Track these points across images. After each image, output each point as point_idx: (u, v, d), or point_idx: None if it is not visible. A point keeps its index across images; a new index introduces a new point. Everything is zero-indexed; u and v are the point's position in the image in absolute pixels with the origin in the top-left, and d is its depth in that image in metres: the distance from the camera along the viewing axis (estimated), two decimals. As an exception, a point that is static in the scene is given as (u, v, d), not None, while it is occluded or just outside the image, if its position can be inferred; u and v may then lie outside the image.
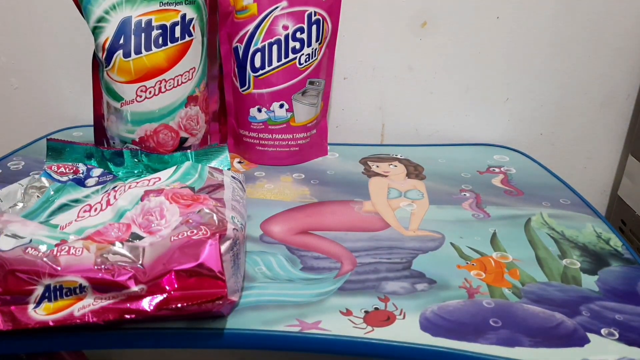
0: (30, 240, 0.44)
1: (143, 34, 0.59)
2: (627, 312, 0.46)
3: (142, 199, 0.49)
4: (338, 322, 0.44)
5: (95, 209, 0.50)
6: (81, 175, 0.58)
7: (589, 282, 0.50)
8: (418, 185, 0.68)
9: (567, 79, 0.86)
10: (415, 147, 0.81)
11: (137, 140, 0.63)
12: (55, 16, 0.83)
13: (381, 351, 0.42)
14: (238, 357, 0.94)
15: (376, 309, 0.46)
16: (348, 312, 0.45)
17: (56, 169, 0.57)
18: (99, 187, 0.56)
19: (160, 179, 0.53)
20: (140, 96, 0.61)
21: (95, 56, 0.62)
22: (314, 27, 0.68)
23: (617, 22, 0.82)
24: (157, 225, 0.47)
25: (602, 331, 0.44)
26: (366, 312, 0.45)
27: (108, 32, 0.59)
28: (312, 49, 0.69)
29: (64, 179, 0.56)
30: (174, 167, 0.54)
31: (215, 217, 0.46)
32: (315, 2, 0.67)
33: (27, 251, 0.42)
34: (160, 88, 0.61)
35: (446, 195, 0.66)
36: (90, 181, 0.57)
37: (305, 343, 0.43)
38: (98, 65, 0.62)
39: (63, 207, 0.52)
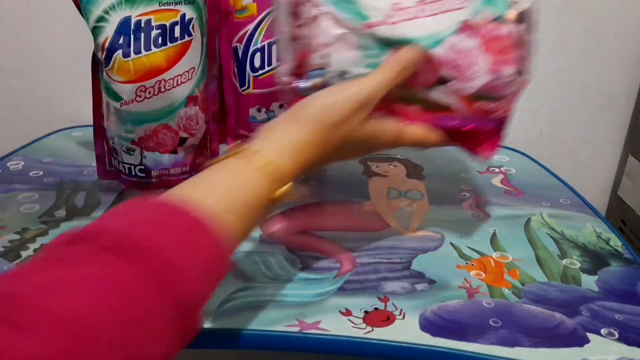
0: None
1: (142, 34, 0.59)
2: (626, 312, 0.46)
3: (457, 32, 0.46)
4: (338, 322, 0.44)
5: (404, 11, 0.46)
6: None
7: (589, 282, 0.50)
8: (418, 185, 0.68)
9: (567, 79, 0.86)
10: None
11: (136, 140, 0.62)
12: (55, 16, 0.84)
13: (381, 351, 0.42)
14: (238, 357, 0.94)
15: (376, 309, 0.46)
16: (348, 312, 0.45)
17: None
18: None
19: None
20: (140, 96, 0.61)
21: (94, 56, 0.62)
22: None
23: (617, 22, 0.82)
24: (469, 72, 0.46)
25: (602, 331, 0.44)
26: (366, 312, 0.45)
27: (107, 32, 0.59)
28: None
29: None
30: None
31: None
32: None
33: None
34: (159, 88, 0.61)
35: (446, 195, 0.66)
36: None
37: (304, 343, 0.43)
38: (98, 66, 0.62)
39: None
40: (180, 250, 0.30)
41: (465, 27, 0.46)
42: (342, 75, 0.46)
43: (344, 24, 0.46)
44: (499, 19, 0.47)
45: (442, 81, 0.47)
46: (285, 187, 0.38)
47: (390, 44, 0.45)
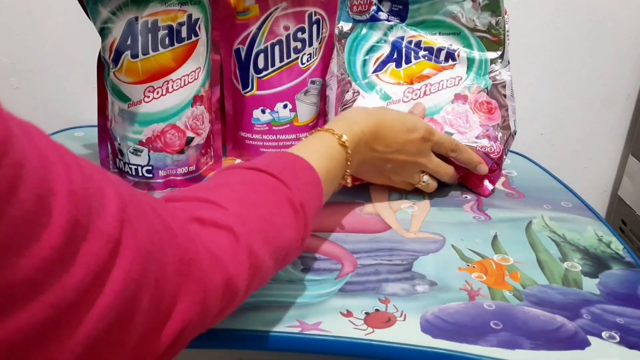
0: None
1: (150, 35, 0.59)
2: (628, 316, 0.46)
3: (452, 102, 0.66)
4: (338, 324, 0.44)
5: (414, 92, 0.67)
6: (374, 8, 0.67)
7: (590, 285, 0.50)
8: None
9: (567, 79, 0.86)
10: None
11: (144, 141, 0.62)
12: (55, 16, 0.83)
13: (381, 353, 0.42)
14: (238, 357, 0.94)
15: (377, 310, 0.46)
16: (348, 314, 0.45)
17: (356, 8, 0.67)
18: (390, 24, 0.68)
19: (462, 78, 0.67)
20: (148, 97, 0.61)
21: (100, 58, 0.62)
22: (314, 27, 0.68)
23: (617, 22, 0.82)
24: (463, 127, 0.65)
25: (603, 334, 0.44)
26: (367, 313, 0.45)
27: (115, 33, 0.59)
28: (313, 48, 0.69)
29: (363, 17, 0.68)
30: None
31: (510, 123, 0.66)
32: (315, 2, 0.67)
33: None
34: (167, 88, 0.61)
35: (447, 198, 0.66)
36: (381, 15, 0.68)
37: (305, 344, 0.43)
38: (103, 67, 0.62)
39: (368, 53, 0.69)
40: (294, 175, 0.44)
41: (458, 97, 0.67)
42: None
43: (372, 102, 0.66)
44: (484, 90, 0.67)
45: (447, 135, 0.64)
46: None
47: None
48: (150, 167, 0.64)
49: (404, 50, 0.68)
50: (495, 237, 0.57)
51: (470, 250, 0.55)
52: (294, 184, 0.43)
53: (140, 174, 0.64)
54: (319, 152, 0.50)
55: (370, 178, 0.63)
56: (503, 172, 0.74)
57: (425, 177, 0.63)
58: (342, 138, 0.52)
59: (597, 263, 0.54)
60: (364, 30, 0.68)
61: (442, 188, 0.68)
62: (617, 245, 0.57)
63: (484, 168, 0.64)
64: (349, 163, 0.53)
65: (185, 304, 0.32)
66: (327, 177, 0.49)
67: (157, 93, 0.61)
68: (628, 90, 0.87)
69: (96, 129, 0.66)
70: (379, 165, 0.60)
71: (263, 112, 0.70)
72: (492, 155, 0.64)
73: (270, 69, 0.68)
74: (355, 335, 0.43)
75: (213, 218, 0.37)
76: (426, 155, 0.61)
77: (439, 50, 0.68)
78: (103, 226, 0.27)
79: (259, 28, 0.66)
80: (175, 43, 0.61)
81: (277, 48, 0.67)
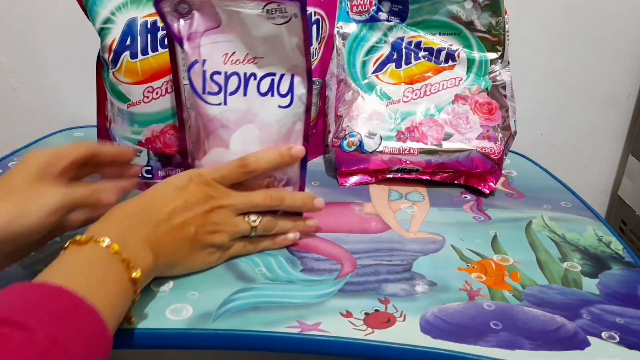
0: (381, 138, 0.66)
1: (149, 35, 0.59)
2: (627, 316, 0.46)
3: (452, 102, 0.67)
4: (338, 324, 0.44)
5: (414, 92, 0.68)
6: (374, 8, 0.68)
7: (590, 285, 0.50)
8: (419, 187, 0.68)
9: (567, 79, 0.86)
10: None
11: (143, 141, 0.62)
12: (55, 17, 0.83)
13: (381, 353, 0.42)
14: (238, 358, 0.94)
15: (376, 310, 0.46)
16: (348, 314, 0.45)
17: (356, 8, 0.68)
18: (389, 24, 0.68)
19: (462, 79, 0.68)
20: (148, 97, 0.61)
21: (99, 58, 0.62)
22: (314, 27, 0.68)
23: (617, 22, 0.82)
24: (464, 128, 0.66)
25: (603, 334, 0.44)
26: (366, 313, 0.45)
27: (115, 34, 0.59)
28: (313, 48, 0.69)
29: (363, 17, 0.68)
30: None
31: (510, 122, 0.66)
32: (314, 2, 0.67)
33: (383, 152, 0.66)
34: (167, 89, 0.61)
35: (447, 198, 0.66)
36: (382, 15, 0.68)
37: (305, 344, 0.43)
38: (102, 67, 0.62)
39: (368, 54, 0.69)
40: (61, 326, 0.33)
41: (458, 98, 0.67)
42: (370, 136, 0.66)
43: (372, 103, 0.68)
44: (484, 90, 0.67)
45: (447, 136, 0.66)
46: (139, 270, 0.41)
47: (406, 114, 0.67)
48: (149, 168, 0.64)
49: (403, 50, 0.68)
50: (495, 237, 0.57)
51: (470, 250, 0.55)
52: (67, 348, 0.32)
53: (139, 175, 0.64)
54: (108, 289, 0.38)
55: (189, 264, 0.49)
56: (503, 172, 0.74)
57: (253, 217, 0.51)
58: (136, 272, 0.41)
59: (596, 263, 0.54)
60: (364, 31, 0.68)
61: (442, 188, 0.68)
62: (617, 245, 0.57)
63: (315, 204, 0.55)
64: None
65: None
66: (116, 320, 0.39)
67: (157, 93, 0.61)
68: (628, 90, 0.87)
69: (95, 129, 0.66)
70: (180, 238, 0.46)
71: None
72: (492, 156, 0.65)
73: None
74: (354, 336, 0.43)
75: None
76: (220, 196, 0.49)
77: (439, 50, 0.68)
78: None
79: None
80: (174, 43, 0.61)
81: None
